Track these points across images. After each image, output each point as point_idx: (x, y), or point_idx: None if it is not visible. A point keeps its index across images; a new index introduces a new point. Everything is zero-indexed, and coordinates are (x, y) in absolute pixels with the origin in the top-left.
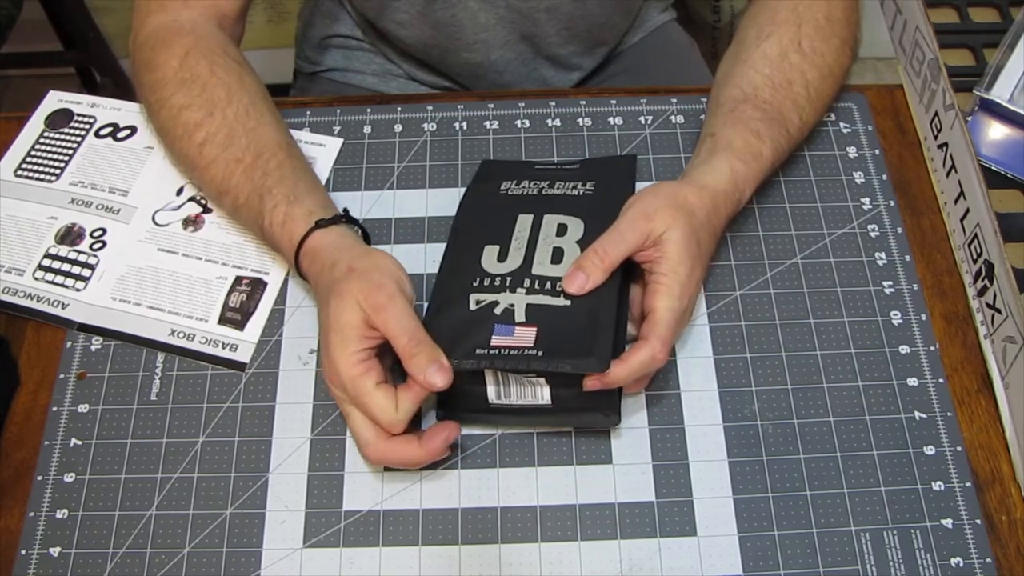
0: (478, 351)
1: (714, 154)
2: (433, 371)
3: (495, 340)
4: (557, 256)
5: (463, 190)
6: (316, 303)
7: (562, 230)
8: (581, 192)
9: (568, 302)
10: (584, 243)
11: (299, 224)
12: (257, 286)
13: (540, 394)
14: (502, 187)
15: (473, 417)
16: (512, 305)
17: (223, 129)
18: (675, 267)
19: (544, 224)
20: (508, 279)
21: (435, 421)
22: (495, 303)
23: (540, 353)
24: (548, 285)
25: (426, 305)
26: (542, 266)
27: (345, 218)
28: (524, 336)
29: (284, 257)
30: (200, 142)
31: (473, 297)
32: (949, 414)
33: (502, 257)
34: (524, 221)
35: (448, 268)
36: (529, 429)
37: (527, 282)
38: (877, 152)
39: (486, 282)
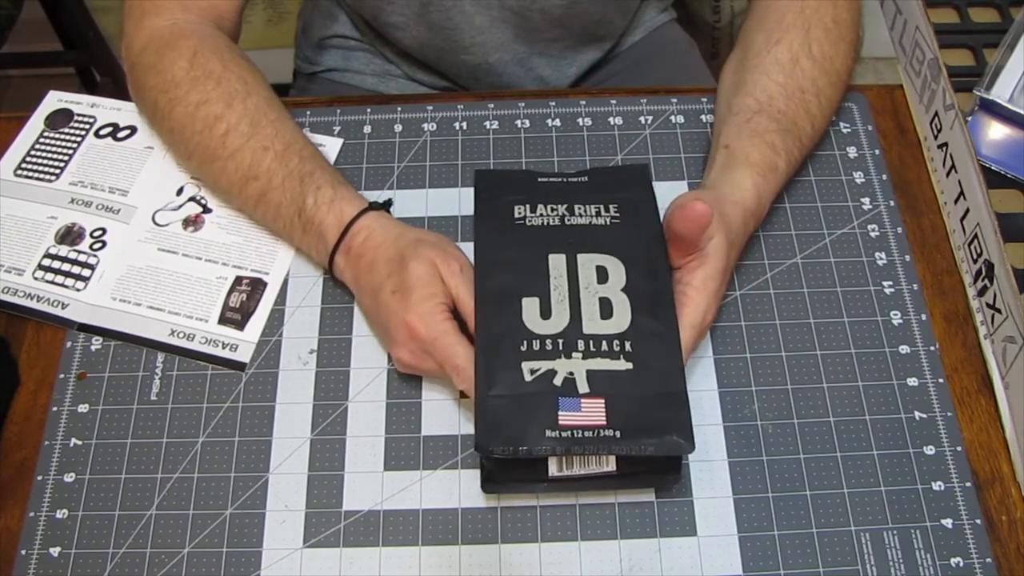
0: (548, 434)
1: (731, 168)
2: None
3: (563, 419)
4: (606, 310)
5: (463, 191)
6: (362, 280)
7: (602, 275)
8: (608, 221)
9: (630, 364)
10: (630, 291)
11: (351, 203)
12: (257, 286)
13: (605, 462)
14: (516, 214)
15: (525, 488)
16: (571, 373)
17: (245, 118)
18: (706, 281)
19: (581, 267)
20: (560, 341)
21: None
22: (552, 372)
23: (618, 435)
24: (604, 346)
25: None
26: (592, 323)
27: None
28: (593, 410)
29: (321, 238)
30: (222, 133)
31: (526, 366)
32: (949, 414)
33: (545, 313)
34: (557, 263)
35: (487, 324)
36: (576, 499)
37: (581, 344)
38: (877, 152)
39: (535, 346)
